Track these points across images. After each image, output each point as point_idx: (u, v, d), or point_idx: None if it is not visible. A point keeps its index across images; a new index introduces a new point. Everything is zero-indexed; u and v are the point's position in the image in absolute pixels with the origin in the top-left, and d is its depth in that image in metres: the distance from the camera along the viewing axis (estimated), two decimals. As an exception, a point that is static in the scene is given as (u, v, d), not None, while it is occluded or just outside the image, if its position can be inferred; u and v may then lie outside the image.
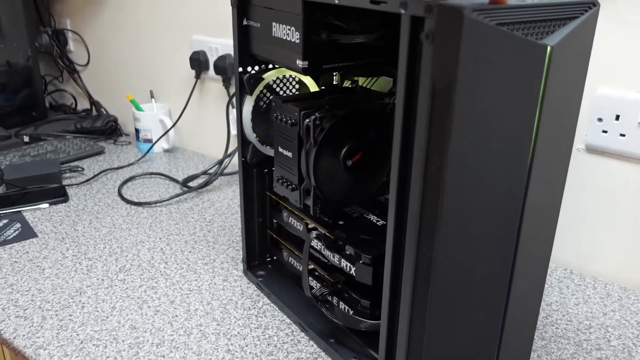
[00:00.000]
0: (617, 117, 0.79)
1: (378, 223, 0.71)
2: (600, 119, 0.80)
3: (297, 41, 0.61)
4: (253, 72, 0.74)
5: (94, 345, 0.71)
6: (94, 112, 1.61)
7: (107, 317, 0.76)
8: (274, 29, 0.65)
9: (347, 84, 0.78)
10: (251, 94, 0.74)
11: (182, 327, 0.74)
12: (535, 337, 0.72)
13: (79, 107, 1.68)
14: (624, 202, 0.82)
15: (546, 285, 0.84)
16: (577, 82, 0.54)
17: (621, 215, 0.83)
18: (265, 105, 0.76)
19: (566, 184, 0.60)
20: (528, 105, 0.48)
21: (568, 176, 0.60)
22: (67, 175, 1.22)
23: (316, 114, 0.63)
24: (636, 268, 0.83)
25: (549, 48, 0.47)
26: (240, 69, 0.73)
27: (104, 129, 1.46)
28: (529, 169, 0.51)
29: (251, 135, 0.76)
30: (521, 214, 0.53)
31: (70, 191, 1.14)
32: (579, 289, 0.84)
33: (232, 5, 0.70)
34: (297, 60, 0.62)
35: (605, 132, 0.80)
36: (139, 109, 1.36)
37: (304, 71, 0.62)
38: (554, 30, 0.48)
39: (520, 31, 0.46)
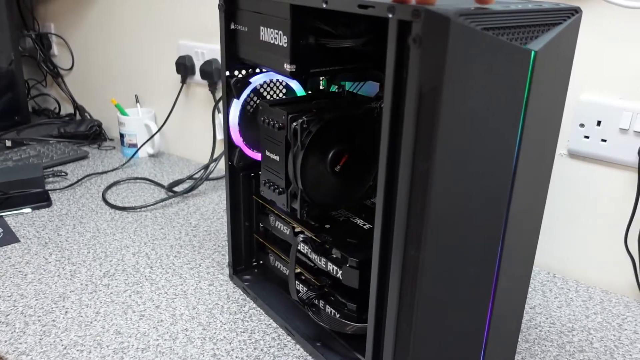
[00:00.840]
0: (599, 123, 0.80)
1: (364, 227, 0.71)
2: (582, 125, 0.82)
3: (285, 45, 0.62)
4: (240, 76, 0.74)
5: (78, 350, 0.70)
6: (78, 117, 1.59)
7: (91, 323, 0.75)
8: (261, 33, 0.65)
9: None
10: (238, 98, 0.74)
11: (167, 332, 0.73)
12: (519, 339, 0.73)
13: (63, 112, 1.66)
14: (605, 207, 0.84)
15: (530, 289, 0.85)
16: (560, 86, 0.55)
17: (603, 220, 0.84)
18: (252, 109, 0.76)
19: (549, 188, 0.61)
20: (513, 109, 0.49)
21: (551, 180, 0.61)
22: (50, 180, 1.21)
23: (303, 117, 0.63)
24: (618, 271, 0.85)
25: (533, 53, 0.47)
26: (228, 73, 0.73)
27: (88, 133, 1.45)
28: (513, 172, 0.52)
29: (238, 139, 0.76)
30: (506, 216, 0.54)
31: (53, 196, 1.13)
32: (562, 292, 0.85)
33: (219, 9, 0.70)
34: (285, 64, 0.62)
35: (587, 137, 0.82)
36: (123, 113, 1.35)
37: (292, 75, 0.62)
38: (538, 36, 0.49)
39: (505, 36, 0.46)
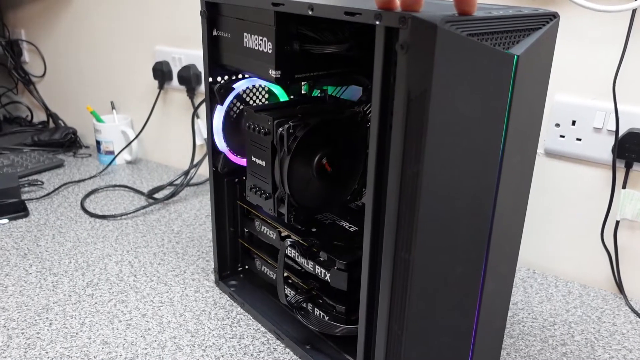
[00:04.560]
0: (574, 123, 0.83)
1: (350, 229, 0.72)
2: (557, 125, 0.84)
3: (270, 51, 0.62)
4: (223, 82, 0.74)
5: (64, 362, 0.69)
6: (51, 125, 1.57)
7: (77, 334, 0.74)
8: (245, 40, 0.66)
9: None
10: (222, 104, 0.74)
11: (155, 340, 0.73)
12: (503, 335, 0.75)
13: (35, 120, 1.63)
14: (581, 203, 0.86)
15: (511, 286, 0.87)
16: (540, 89, 0.56)
17: (579, 216, 0.87)
18: (235, 115, 0.76)
19: (529, 187, 0.62)
20: (497, 112, 0.51)
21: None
22: (26, 189, 1.18)
23: (289, 122, 0.64)
24: (595, 266, 0.87)
25: (515, 57, 0.49)
26: (210, 79, 0.73)
27: (63, 141, 1.43)
28: (498, 172, 0.53)
29: (222, 145, 0.76)
30: (492, 216, 0.55)
31: (30, 206, 1.11)
32: (542, 288, 0.87)
33: (201, 15, 0.70)
34: (270, 70, 0.63)
35: (562, 136, 0.84)
36: (99, 120, 1.33)
37: (277, 81, 0.63)
38: (519, 41, 0.51)
39: (488, 41, 0.48)
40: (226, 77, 0.75)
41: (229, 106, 0.75)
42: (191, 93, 1.22)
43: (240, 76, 0.76)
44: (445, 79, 0.45)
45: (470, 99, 0.48)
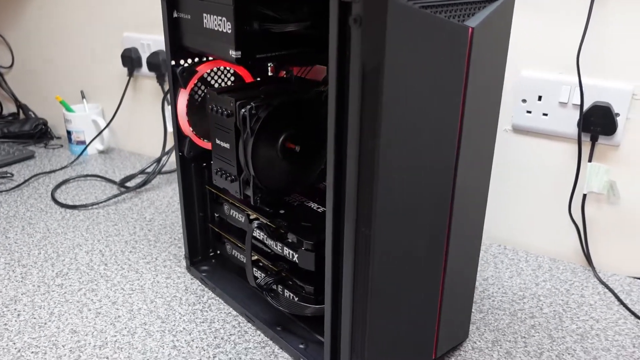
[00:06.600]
0: (540, 98, 0.83)
1: (318, 210, 0.72)
2: (524, 100, 0.84)
3: (229, 31, 0.61)
4: (186, 65, 0.73)
5: (32, 352, 0.68)
6: (22, 116, 1.54)
7: (45, 324, 0.73)
8: (205, 20, 0.65)
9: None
10: (185, 87, 0.73)
11: (125, 327, 0.73)
12: (473, 310, 0.75)
13: (5, 112, 1.60)
14: (549, 178, 0.87)
15: (482, 261, 0.88)
16: (498, 62, 0.56)
17: (547, 190, 0.88)
18: (200, 99, 0.76)
19: (496, 164, 0.63)
20: (454, 85, 0.50)
21: (497, 156, 0.63)
22: (-5, 181, 1.17)
23: (252, 103, 0.63)
24: (564, 239, 0.88)
25: (470, 29, 0.49)
26: (173, 62, 0.72)
27: (33, 132, 1.40)
28: (457, 146, 0.53)
29: (187, 129, 0.75)
30: (452, 190, 0.55)
31: (-1, 198, 1.09)
32: (513, 263, 0.88)
33: (160, -3, 0.69)
34: (230, 51, 0.62)
35: (529, 112, 0.84)
36: (69, 110, 1.31)
37: (238, 61, 0.62)
38: (474, 13, 0.51)
39: (443, 14, 0.47)
40: (190, 60, 0.74)
41: (193, 89, 0.74)
42: (161, 79, 1.21)
43: (204, 59, 0.75)
44: (399, 52, 0.45)
45: (425, 71, 0.47)
